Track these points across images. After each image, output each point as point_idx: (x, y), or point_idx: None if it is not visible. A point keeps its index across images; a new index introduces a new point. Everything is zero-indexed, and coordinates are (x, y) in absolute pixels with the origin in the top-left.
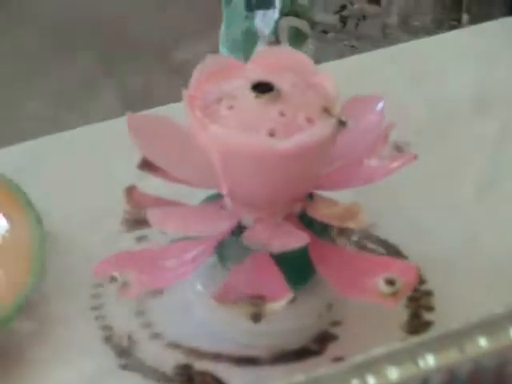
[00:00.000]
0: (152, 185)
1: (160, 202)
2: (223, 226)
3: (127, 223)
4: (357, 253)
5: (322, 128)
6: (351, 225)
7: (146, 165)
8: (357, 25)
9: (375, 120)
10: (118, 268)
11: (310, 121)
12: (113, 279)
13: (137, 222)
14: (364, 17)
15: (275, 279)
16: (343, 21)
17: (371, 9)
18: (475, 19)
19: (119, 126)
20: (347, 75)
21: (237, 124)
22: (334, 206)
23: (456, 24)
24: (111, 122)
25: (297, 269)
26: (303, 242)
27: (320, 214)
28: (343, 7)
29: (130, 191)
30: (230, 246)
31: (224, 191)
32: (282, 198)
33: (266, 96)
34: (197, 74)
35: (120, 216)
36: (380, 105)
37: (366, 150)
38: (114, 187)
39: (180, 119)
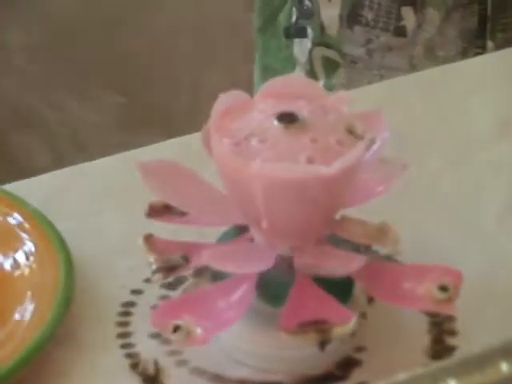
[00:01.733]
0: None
1: (181, 245)
2: (269, 260)
3: (161, 270)
4: (399, 264)
5: (358, 149)
6: (385, 244)
7: (154, 212)
8: (383, 57)
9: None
10: (176, 317)
11: (340, 143)
12: (177, 329)
13: (170, 268)
14: (390, 48)
15: (333, 304)
16: (369, 54)
17: (396, 41)
18: (500, 46)
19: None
20: (372, 101)
21: (274, 157)
22: (365, 225)
23: (481, 51)
24: (136, 151)
25: (339, 291)
26: (362, 263)
27: (352, 234)
28: (369, 41)
29: (148, 240)
30: (272, 279)
31: (264, 225)
32: (319, 222)
33: (295, 125)
34: (214, 112)
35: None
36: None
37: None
38: (140, 213)
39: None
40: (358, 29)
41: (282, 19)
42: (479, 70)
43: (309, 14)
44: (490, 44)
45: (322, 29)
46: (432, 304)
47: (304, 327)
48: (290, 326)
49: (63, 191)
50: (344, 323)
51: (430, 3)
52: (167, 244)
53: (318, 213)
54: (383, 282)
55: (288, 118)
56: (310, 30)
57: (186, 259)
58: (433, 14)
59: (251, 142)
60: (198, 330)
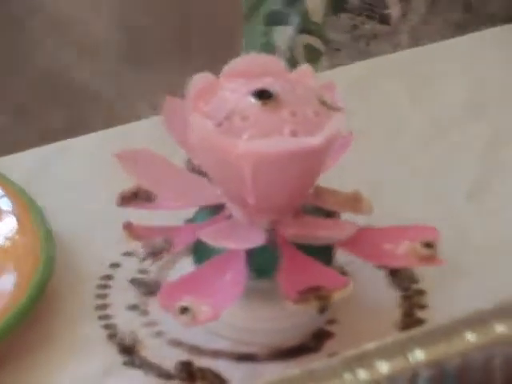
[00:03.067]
0: None
1: (160, 230)
2: (260, 234)
3: (149, 256)
4: (376, 228)
5: (339, 119)
6: (360, 211)
7: (125, 200)
8: (368, 44)
9: None
10: (180, 299)
11: (317, 115)
12: (184, 310)
13: (156, 253)
14: (375, 36)
15: (325, 270)
16: (355, 40)
17: (381, 28)
18: None
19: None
20: (348, 80)
21: (259, 133)
22: (338, 194)
23: None
24: (119, 128)
25: (321, 257)
26: (353, 229)
27: (327, 203)
28: (354, 27)
29: (128, 228)
30: (259, 253)
31: (250, 201)
32: (301, 193)
33: (272, 101)
34: (190, 95)
35: (124, 219)
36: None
37: None
38: (119, 189)
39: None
40: (343, 16)
41: (266, 6)
42: (454, 51)
43: (293, 1)
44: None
45: (306, 15)
46: (417, 260)
47: (304, 295)
48: (291, 295)
49: (43, 168)
50: (341, 288)
51: None
52: (147, 230)
53: (301, 184)
54: (364, 244)
55: (264, 95)
56: (293, 17)
57: (169, 242)
58: (418, 3)
59: (233, 122)
60: (205, 309)
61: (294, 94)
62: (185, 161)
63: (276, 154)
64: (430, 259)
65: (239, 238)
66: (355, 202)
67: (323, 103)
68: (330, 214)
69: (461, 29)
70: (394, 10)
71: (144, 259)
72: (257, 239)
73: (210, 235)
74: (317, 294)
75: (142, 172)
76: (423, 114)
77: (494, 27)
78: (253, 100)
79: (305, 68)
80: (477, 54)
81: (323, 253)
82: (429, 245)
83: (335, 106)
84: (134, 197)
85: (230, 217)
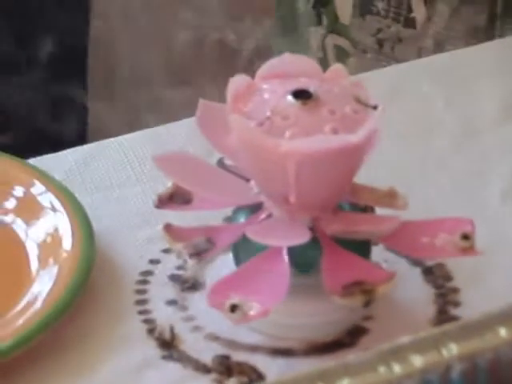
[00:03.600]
0: None
1: (200, 230)
2: (304, 232)
3: (193, 256)
4: (416, 221)
5: (378, 115)
6: (395, 207)
7: (162, 202)
8: (392, 48)
9: None
10: (229, 296)
11: (355, 112)
12: (234, 308)
13: (199, 253)
14: (400, 40)
15: (367, 264)
16: (380, 43)
17: (407, 32)
18: None
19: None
20: (383, 84)
21: (301, 132)
22: (374, 191)
23: None
24: (157, 128)
25: (359, 252)
26: (396, 224)
27: (363, 199)
28: (379, 30)
29: (168, 230)
30: (301, 249)
31: (292, 199)
32: (341, 190)
33: (311, 101)
34: (229, 96)
35: (163, 216)
36: None
37: None
38: (160, 190)
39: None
40: (369, 18)
41: (299, 5)
42: (486, 55)
43: (324, 2)
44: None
45: (335, 17)
46: (455, 252)
47: (349, 289)
48: (336, 290)
49: (85, 166)
50: (385, 282)
51: None
52: (187, 231)
53: (341, 181)
54: (402, 238)
55: (304, 95)
56: (324, 18)
57: (212, 242)
58: (442, 8)
59: (274, 122)
60: (255, 305)
61: (330, 93)
62: (216, 161)
63: (319, 151)
64: (468, 250)
65: (284, 235)
66: (391, 198)
67: (359, 101)
68: (365, 210)
69: (486, 35)
70: (419, 14)
71: (189, 259)
72: (301, 236)
73: (256, 233)
74: (361, 288)
75: (180, 173)
76: (457, 115)
77: None
78: (292, 100)
79: (337, 67)
80: (510, 56)
81: (361, 248)
82: (466, 237)
83: (370, 103)
84: (171, 198)
85: (269, 215)
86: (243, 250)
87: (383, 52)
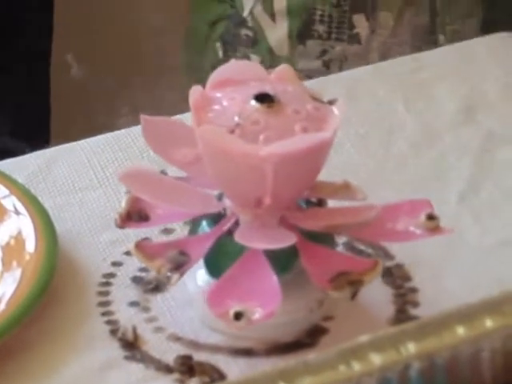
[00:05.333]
0: None
1: (171, 244)
2: (290, 234)
3: (174, 271)
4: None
5: (340, 111)
6: (354, 197)
7: (124, 222)
8: (340, 67)
9: None
10: (230, 305)
11: (316, 109)
12: (239, 315)
13: (178, 266)
14: (346, 58)
15: (348, 257)
16: (326, 65)
17: (352, 49)
18: (450, 37)
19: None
20: (340, 88)
21: (274, 135)
22: (329, 185)
23: (433, 47)
24: (120, 132)
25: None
26: (378, 210)
27: (320, 193)
28: (324, 52)
29: (139, 248)
30: (279, 251)
31: (267, 202)
32: (307, 188)
33: (275, 103)
34: (193, 106)
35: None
36: None
37: None
38: (122, 193)
39: None
40: (310, 43)
41: (208, 56)
42: (444, 59)
43: (251, 43)
44: (441, 37)
45: (270, 52)
46: (424, 233)
47: (337, 282)
48: (323, 285)
49: (47, 170)
50: (371, 270)
51: (381, 6)
52: (158, 247)
53: (312, 178)
54: (365, 227)
55: (267, 98)
56: (254, 57)
57: (186, 254)
58: (385, 16)
59: (245, 128)
60: (258, 310)
61: (287, 94)
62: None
63: (296, 151)
64: (436, 230)
65: (272, 238)
66: (347, 190)
67: (315, 99)
68: (320, 204)
69: (429, 34)
70: (362, 29)
71: (171, 276)
72: (288, 238)
73: (244, 238)
74: (348, 280)
75: (144, 189)
76: (416, 118)
77: (484, 36)
78: (256, 104)
79: (284, 68)
80: (467, 60)
81: (328, 241)
82: (431, 217)
83: (324, 100)
84: (129, 216)
85: (235, 222)
86: (218, 258)
87: (331, 73)
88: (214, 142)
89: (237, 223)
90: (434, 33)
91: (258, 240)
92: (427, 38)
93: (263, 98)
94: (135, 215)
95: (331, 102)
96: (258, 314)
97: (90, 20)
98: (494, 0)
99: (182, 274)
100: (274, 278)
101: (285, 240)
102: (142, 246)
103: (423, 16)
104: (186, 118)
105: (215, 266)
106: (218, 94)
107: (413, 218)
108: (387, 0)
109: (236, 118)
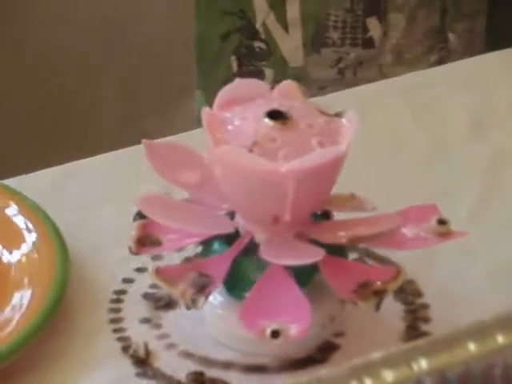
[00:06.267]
0: None
1: (189, 267)
2: (318, 250)
3: (198, 294)
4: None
5: (353, 124)
6: (366, 207)
7: (139, 248)
8: (355, 73)
9: None
10: (266, 324)
11: (327, 123)
12: (276, 334)
13: (201, 288)
14: (360, 63)
15: (368, 267)
16: (341, 72)
17: (366, 53)
18: (460, 36)
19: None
20: (351, 104)
21: (292, 151)
22: (339, 197)
23: (444, 45)
24: (129, 149)
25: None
26: (397, 221)
27: (334, 206)
28: (339, 60)
29: (159, 273)
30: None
31: (287, 218)
32: (322, 201)
33: (287, 119)
34: (208, 128)
35: None
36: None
37: None
38: (134, 209)
39: None
40: (325, 51)
41: (220, 73)
42: (455, 74)
43: (264, 56)
44: (451, 36)
45: (283, 65)
46: (439, 238)
47: (362, 292)
48: (349, 297)
49: (59, 187)
50: (394, 278)
51: (392, 8)
52: (177, 270)
53: (326, 192)
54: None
55: (280, 115)
56: (268, 71)
57: (206, 276)
58: (397, 18)
59: (263, 146)
60: (293, 326)
61: (297, 109)
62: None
63: (316, 166)
64: (448, 235)
65: (299, 254)
66: (354, 201)
67: (323, 112)
68: (327, 217)
69: (440, 33)
70: (375, 32)
71: (195, 300)
72: (316, 253)
73: (271, 255)
74: (373, 290)
75: (161, 214)
76: (426, 133)
77: (495, 51)
78: (270, 122)
79: (288, 84)
80: (479, 77)
81: (342, 253)
82: (442, 221)
83: (329, 113)
84: (142, 243)
85: (251, 239)
86: (237, 278)
87: (345, 80)
88: (234, 161)
89: (251, 242)
90: (443, 31)
91: (285, 257)
92: (438, 38)
93: (276, 115)
94: (147, 241)
95: (338, 115)
96: (293, 330)
97: None
98: None
99: (207, 297)
100: (300, 292)
101: (313, 255)
102: (161, 272)
103: (435, 15)
104: (191, 135)
105: (234, 285)
106: (228, 114)
107: (422, 223)
108: (399, 1)
109: (252, 137)
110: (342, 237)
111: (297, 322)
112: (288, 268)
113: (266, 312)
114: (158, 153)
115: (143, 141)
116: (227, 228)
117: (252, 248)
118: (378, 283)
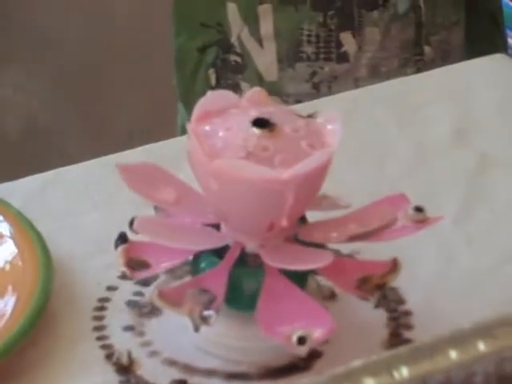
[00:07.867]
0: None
1: (190, 284)
2: (327, 254)
3: (208, 312)
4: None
5: (337, 125)
6: (340, 206)
7: (134, 274)
8: (329, 87)
9: None
10: (289, 331)
11: (308, 124)
12: (303, 340)
13: (208, 303)
14: (335, 77)
15: (366, 262)
16: (316, 87)
17: (340, 67)
18: (436, 48)
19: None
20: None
21: (289, 157)
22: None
23: (420, 58)
24: (113, 156)
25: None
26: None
27: (313, 206)
28: (313, 74)
29: (162, 296)
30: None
31: (284, 223)
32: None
33: (273, 126)
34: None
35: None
36: None
37: None
38: (116, 217)
39: None
40: (299, 65)
41: (198, 86)
42: (436, 82)
43: (240, 69)
44: (426, 49)
45: (259, 78)
46: (417, 225)
47: (365, 288)
48: (355, 292)
49: (42, 194)
50: (392, 271)
51: (367, 23)
52: (176, 291)
53: (316, 194)
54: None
55: (265, 123)
56: (244, 84)
57: (207, 291)
58: (373, 32)
59: (257, 155)
60: (317, 330)
61: (275, 115)
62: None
63: (314, 170)
64: (425, 221)
65: (307, 258)
66: (327, 200)
67: (298, 115)
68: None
69: (416, 46)
70: (350, 46)
71: (206, 317)
72: (325, 257)
73: (280, 261)
74: (373, 284)
75: (158, 234)
76: (409, 140)
77: (476, 58)
78: (257, 131)
79: (256, 91)
80: (461, 82)
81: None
82: (419, 209)
83: (305, 115)
84: (132, 267)
85: (242, 250)
86: (235, 289)
87: (320, 95)
88: (234, 173)
89: (241, 252)
90: (419, 44)
91: (292, 262)
92: (414, 50)
93: (262, 124)
94: (134, 264)
95: (311, 116)
96: (317, 333)
97: None
98: (475, 6)
99: (217, 312)
100: (306, 295)
101: (322, 259)
102: (164, 295)
103: (410, 28)
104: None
105: (234, 297)
106: (208, 127)
107: (398, 213)
108: (373, 16)
109: (244, 148)
110: (342, 235)
111: (320, 326)
112: (285, 273)
113: (283, 319)
114: (133, 175)
115: (117, 164)
116: (219, 241)
117: (243, 258)
118: (376, 277)
